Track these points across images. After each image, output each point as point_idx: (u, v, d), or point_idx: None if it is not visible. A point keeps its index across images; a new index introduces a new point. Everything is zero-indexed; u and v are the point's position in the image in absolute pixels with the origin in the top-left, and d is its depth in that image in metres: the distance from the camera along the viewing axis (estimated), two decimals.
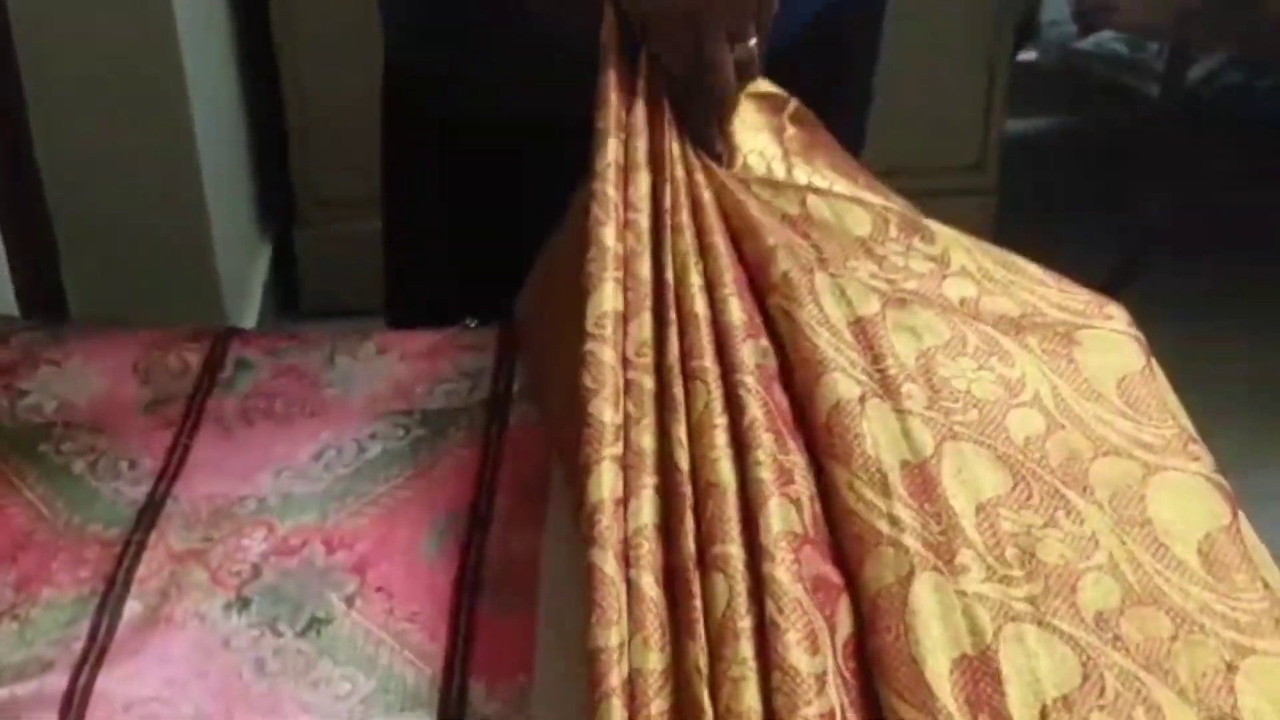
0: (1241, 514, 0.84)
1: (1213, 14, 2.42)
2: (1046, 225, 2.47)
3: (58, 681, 0.79)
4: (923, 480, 0.80)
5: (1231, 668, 0.75)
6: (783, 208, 0.98)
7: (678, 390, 0.84)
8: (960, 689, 0.71)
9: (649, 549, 0.77)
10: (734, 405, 0.83)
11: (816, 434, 0.83)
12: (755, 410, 0.82)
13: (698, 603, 0.74)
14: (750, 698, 0.70)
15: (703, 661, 0.72)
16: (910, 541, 0.76)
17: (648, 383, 0.85)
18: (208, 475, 0.92)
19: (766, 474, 0.79)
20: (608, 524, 0.77)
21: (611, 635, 0.72)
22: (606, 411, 0.83)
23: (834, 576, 0.77)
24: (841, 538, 0.79)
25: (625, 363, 0.86)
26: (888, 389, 0.85)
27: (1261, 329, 2.49)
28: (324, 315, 2.53)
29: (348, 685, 0.79)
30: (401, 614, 0.83)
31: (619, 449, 0.82)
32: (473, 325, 1.06)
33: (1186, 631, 0.76)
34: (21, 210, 1.86)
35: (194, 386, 0.99)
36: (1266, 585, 0.79)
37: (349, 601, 0.84)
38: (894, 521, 0.78)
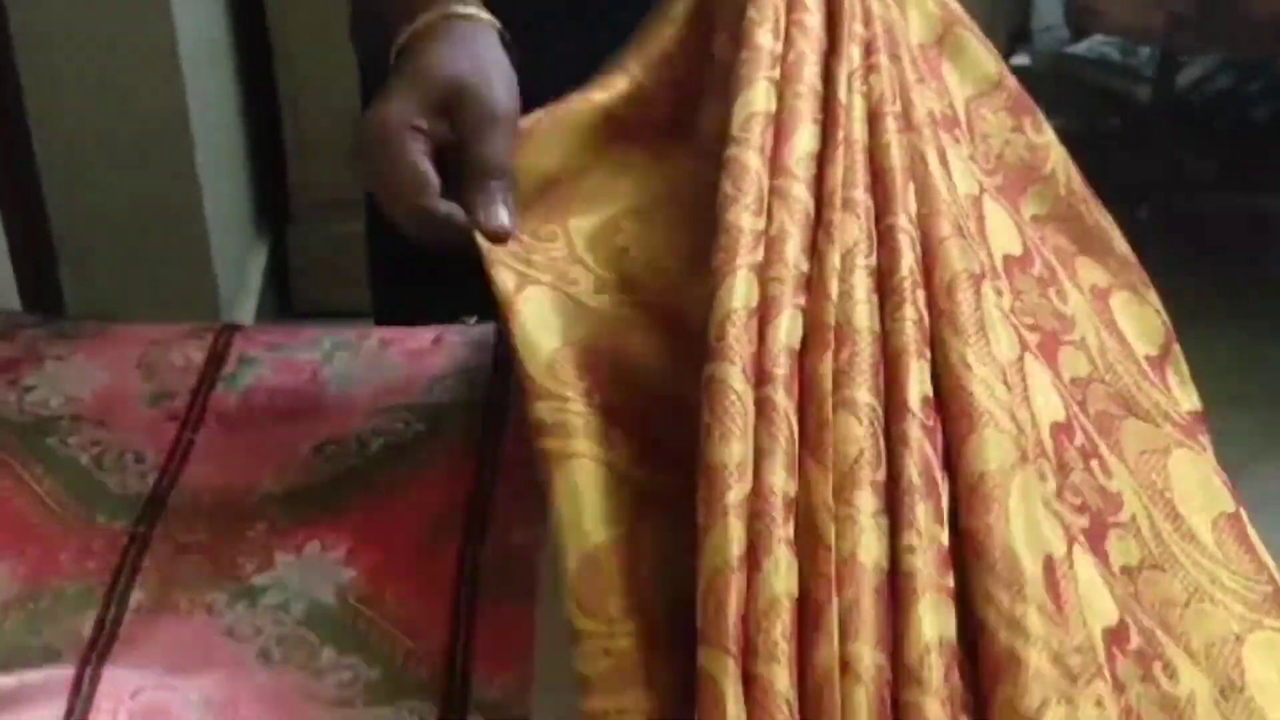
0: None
1: (1202, 18, 2.44)
2: None
3: (66, 670, 0.80)
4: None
5: (1239, 639, 0.77)
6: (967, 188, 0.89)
7: (834, 215, 0.78)
8: (1046, 587, 0.67)
9: (785, 371, 0.71)
10: (887, 250, 0.78)
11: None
12: (910, 261, 0.77)
13: (830, 437, 0.69)
14: (871, 547, 0.66)
15: (831, 498, 0.67)
16: (1012, 431, 0.72)
17: (801, 194, 0.78)
18: (211, 468, 0.94)
19: (911, 331, 0.74)
20: (738, 334, 0.71)
21: (734, 450, 0.67)
22: (745, 218, 0.76)
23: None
24: (949, 412, 0.73)
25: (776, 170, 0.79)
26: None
27: (1250, 332, 2.51)
28: (316, 315, 2.54)
29: (350, 674, 0.81)
30: (403, 604, 0.85)
31: (758, 257, 0.75)
32: (472, 322, 1.07)
33: (1198, 600, 0.77)
34: (21, 210, 1.87)
35: (197, 381, 1.00)
36: (1271, 573, 0.81)
37: (351, 592, 0.85)
38: (1001, 406, 0.72)
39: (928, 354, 0.74)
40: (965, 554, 0.68)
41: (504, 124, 0.88)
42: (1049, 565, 0.68)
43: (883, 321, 0.75)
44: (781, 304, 0.73)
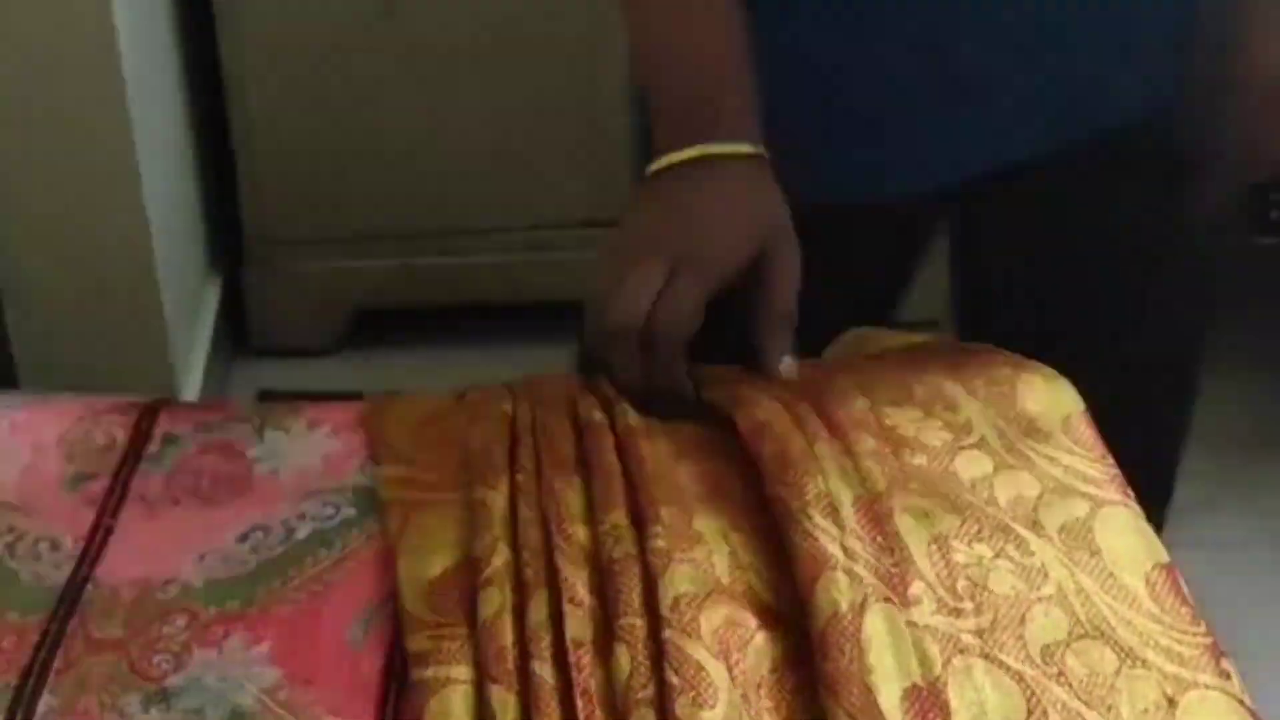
0: None
1: None
2: None
3: None
4: (875, 514, 0.81)
5: (1172, 702, 0.76)
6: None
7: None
8: (910, 717, 0.72)
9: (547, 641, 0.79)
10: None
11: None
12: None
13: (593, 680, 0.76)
14: None
15: None
16: (863, 571, 0.78)
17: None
18: (131, 558, 0.90)
19: (663, 543, 0.81)
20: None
21: None
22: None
23: (749, 620, 0.79)
24: (792, 562, 0.80)
25: None
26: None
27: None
28: (273, 353, 2.51)
29: None
30: (327, 705, 0.81)
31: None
32: None
33: (1129, 666, 0.77)
34: None
35: (119, 462, 0.96)
36: (1205, 624, 0.81)
37: (272, 693, 0.82)
38: (847, 551, 0.79)
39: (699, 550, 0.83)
40: (823, 696, 0.74)
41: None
42: (914, 693, 0.73)
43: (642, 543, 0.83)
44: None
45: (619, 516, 0.85)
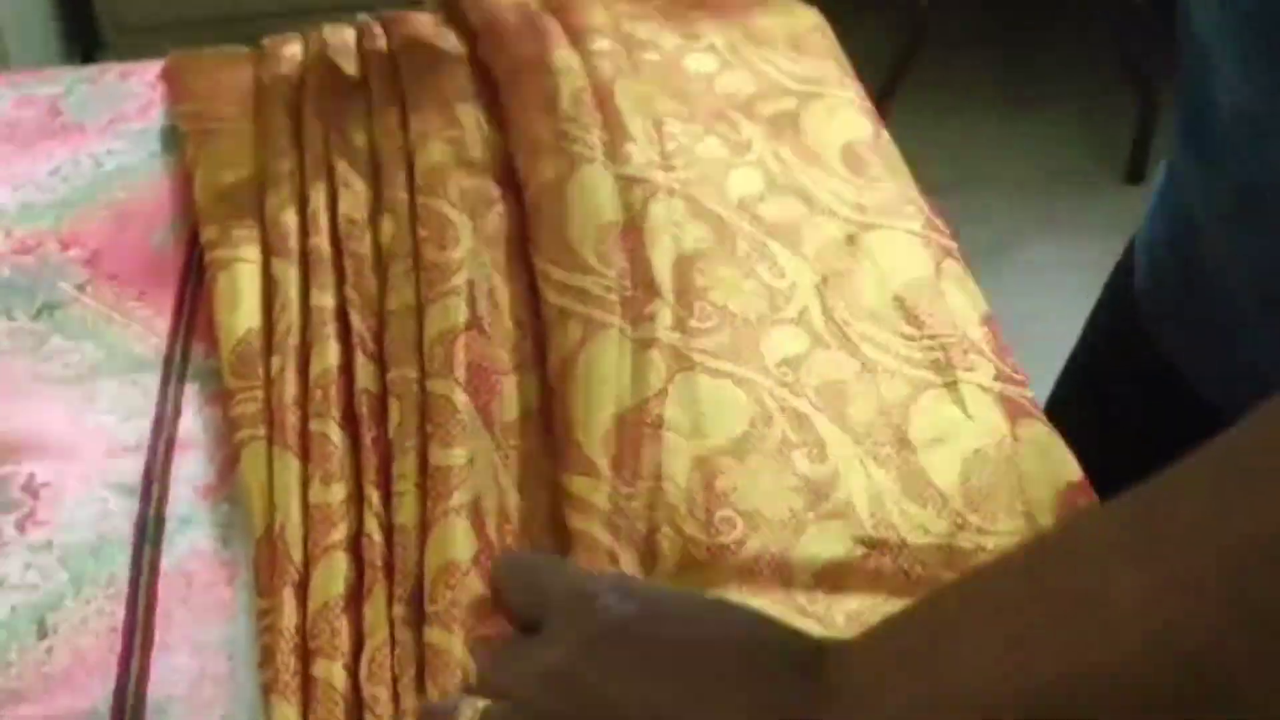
0: (947, 265, 0.85)
1: None
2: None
3: None
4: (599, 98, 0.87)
5: (852, 240, 0.84)
6: None
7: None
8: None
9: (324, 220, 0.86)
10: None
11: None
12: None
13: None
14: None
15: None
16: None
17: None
18: None
19: (421, 128, 0.89)
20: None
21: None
22: None
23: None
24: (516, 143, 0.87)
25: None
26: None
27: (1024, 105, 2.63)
28: None
29: (77, 355, 0.85)
30: (130, 295, 0.89)
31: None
32: None
33: (815, 214, 0.83)
34: None
35: None
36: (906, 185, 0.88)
37: (81, 288, 0.89)
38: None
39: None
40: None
41: None
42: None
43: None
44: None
45: (391, 119, 0.93)
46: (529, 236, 0.83)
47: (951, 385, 0.76)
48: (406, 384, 0.76)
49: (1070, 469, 0.73)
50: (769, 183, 0.89)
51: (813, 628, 0.64)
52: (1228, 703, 0.44)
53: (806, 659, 0.56)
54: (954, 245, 0.85)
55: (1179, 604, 0.45)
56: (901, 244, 0.84)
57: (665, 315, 0.77)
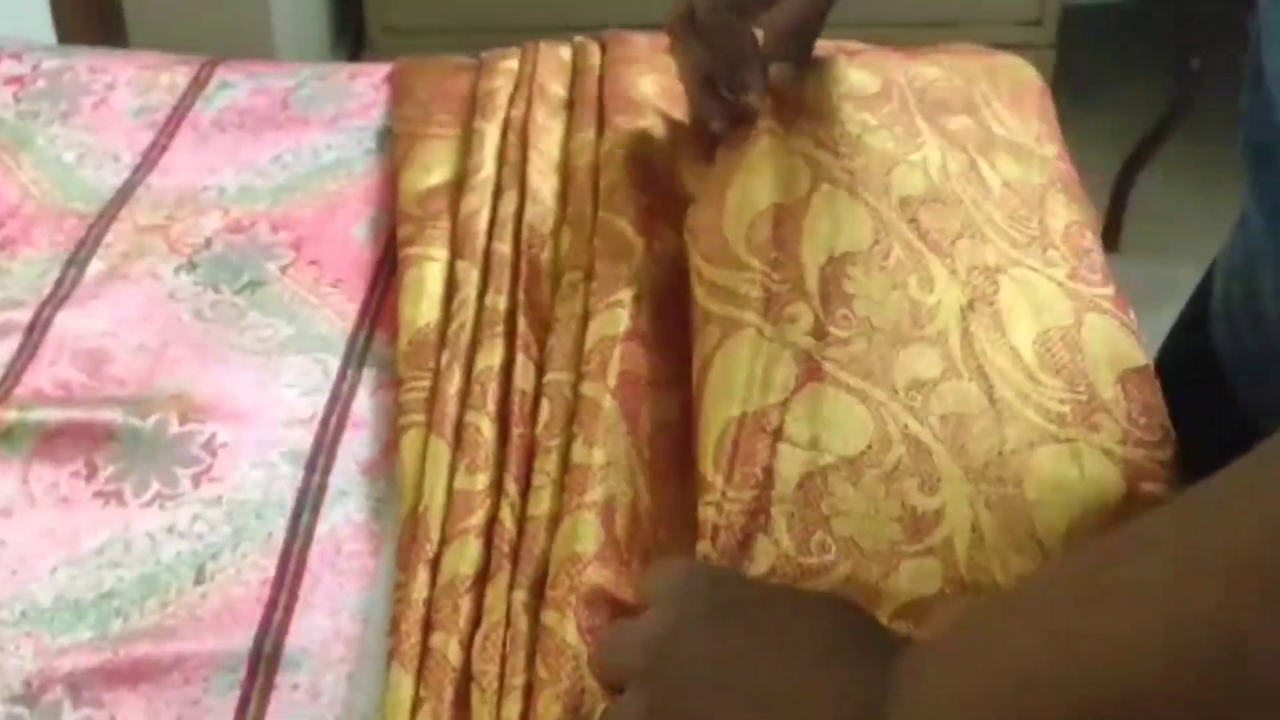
0: (1089, 319, 0.84)
1: None
2: (1103, 85, 2.53)
3: (24, 315, 0.91)
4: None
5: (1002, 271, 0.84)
6: None
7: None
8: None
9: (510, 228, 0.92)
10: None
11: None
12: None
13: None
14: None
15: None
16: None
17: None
18: (178, 169, 1.04)
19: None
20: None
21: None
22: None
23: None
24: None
25: None
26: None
27: None
28: None
29: (270, 331, 0.91)
30: (327, 281, 0.95)
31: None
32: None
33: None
34: None
35: (179, 99, 1.10)
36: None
37: (284, 269, 0.96)
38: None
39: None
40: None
41: None
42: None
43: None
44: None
45: (588, 135, 0.98)
46: (687, 226, 0.86)
47: (1072, 443, 0.77)
48: (559, 387, 0.81)
49: None
50: (931, 186, 0.88)
51: None
52: (1241, 674, 0.47)
53: (886, 651, 0.60)
54: (1104, 295, 0.85)
55: (1202, 585, 0.48)
56: (1046, 289, 0.84)
57: (806, 318, 0.79)
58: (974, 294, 0.81)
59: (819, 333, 0.78)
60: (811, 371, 0.76)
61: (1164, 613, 0.49)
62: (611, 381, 0.80)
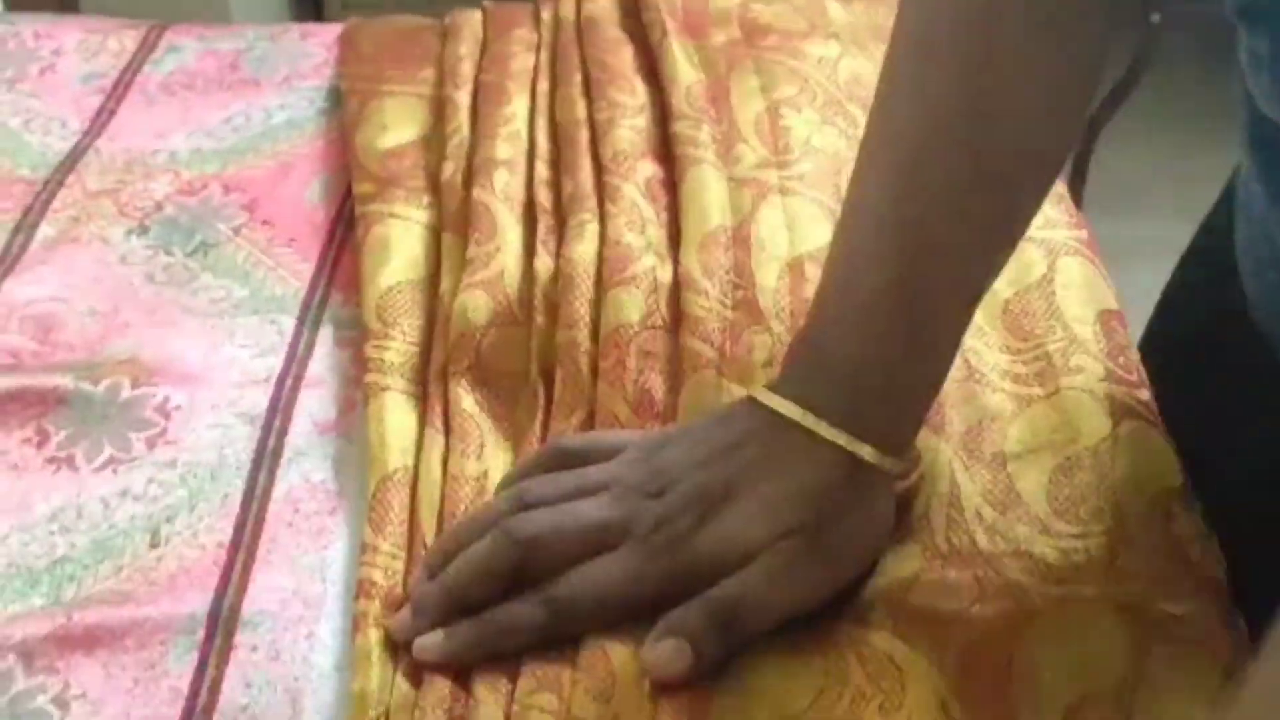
0: (1063, 263, 0.84)
1: None
2: None
3: None
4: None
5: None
6: None
7: None
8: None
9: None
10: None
11: None
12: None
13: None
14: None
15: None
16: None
17: None
18: (127, 134, 1.02)
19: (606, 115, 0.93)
20: None
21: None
22: None
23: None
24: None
25: None
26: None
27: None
28: None
29: (223, 293, 0.90)
30: (280, 241, 0.93)
31: None
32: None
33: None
34: None
35: (126, 64, 1.08)
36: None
37: (236, 230, 0.94)
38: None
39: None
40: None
41: None
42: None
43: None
44: None
45: (574, 87, 0.97)
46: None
47: (1054, 393, 0.76)
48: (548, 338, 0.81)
49: (1171, 472, 0.72)
50: None
51: None
52: None
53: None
54: (1079, 237, 0.84)
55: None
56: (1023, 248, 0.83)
57: (766, 342, 0.79)
58: None
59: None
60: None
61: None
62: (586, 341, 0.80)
